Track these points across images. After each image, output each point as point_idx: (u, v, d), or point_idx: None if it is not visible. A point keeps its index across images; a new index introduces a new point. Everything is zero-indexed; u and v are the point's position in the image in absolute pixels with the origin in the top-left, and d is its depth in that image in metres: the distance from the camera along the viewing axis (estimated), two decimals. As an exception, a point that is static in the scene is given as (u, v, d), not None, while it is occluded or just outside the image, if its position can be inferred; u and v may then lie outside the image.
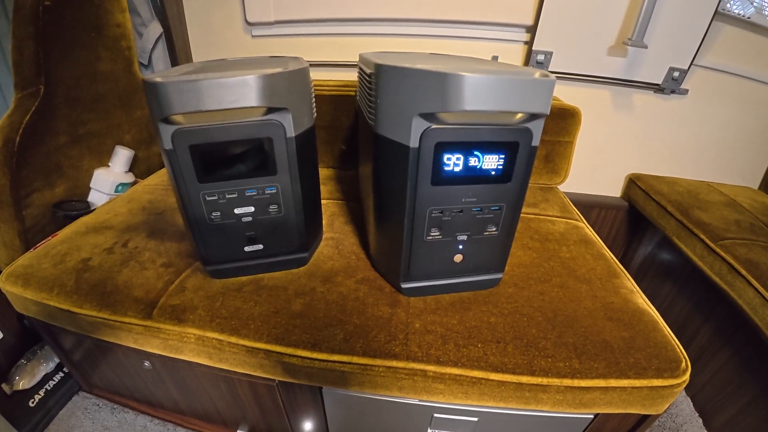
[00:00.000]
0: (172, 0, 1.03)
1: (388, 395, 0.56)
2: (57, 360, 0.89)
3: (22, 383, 0.85)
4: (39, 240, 0.76)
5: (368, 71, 0.51)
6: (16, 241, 0.81)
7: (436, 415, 0.58)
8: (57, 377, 0.89)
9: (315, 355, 0.51)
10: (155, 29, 1.03)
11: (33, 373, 0.86)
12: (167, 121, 0.47)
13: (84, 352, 0.77)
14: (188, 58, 1.13)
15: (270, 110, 0.50)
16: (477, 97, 0.41)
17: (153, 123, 0.48)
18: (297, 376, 0.55)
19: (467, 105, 0.41)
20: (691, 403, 0.93)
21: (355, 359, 0.50)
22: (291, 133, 0.52)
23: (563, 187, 1.03)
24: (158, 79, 0.43)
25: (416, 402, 0.57)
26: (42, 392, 0.86)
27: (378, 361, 0.50)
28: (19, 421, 0.81)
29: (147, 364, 0.69)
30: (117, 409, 0.89)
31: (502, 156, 0.48)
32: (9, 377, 0.86)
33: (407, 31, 1.01)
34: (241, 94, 0.45)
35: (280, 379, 0.57)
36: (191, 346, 0.56)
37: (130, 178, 0.99)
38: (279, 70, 0.48)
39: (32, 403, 0.84)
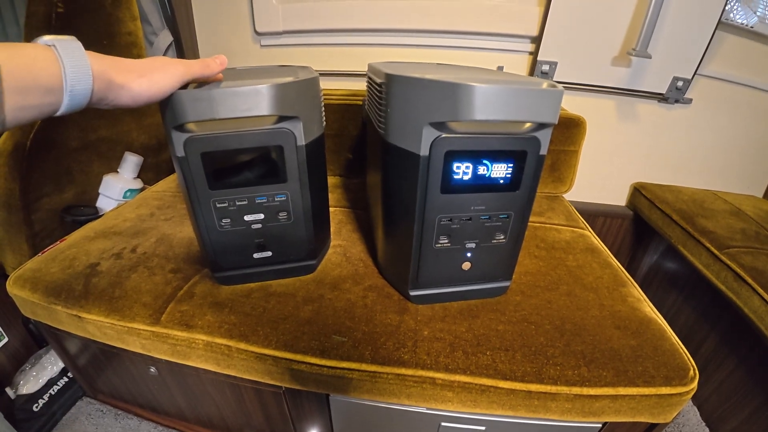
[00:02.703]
0: (182, 9, 1.04)
1: (395, 403, 0.55)
2: (62, 364, 0.89)
3: (26, 387, 0.85)
4: (47, 244, 0.76)
5: (378, 81, 0.51)
6: (24, 246, 0.82)
7: (443, 423, 0.58)
8: (61, 382, 0.89)
9: (324, 362, 0.51)
10: (165, 38, 1.05)
11: (37, 378, 0.87)
12: (180, 128, 0.47)
13: (89, 357, 0.77)
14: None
15: (281, 119, 0.51)
16: (487, 106, 0.42)
17: (166, 130, 0.48)
18: (305, 383, 0.55)
19: (478, 114, 0.42)
20: (698, 413, 0.92)
21: (364, 366, 0.51)
22: (301, 141, 0.53)
23: (568, 196, 1.04)
24: (173, 88, 0.44)
25: (424, 410, 0.57)
26: (46, 397, 0.86)
27: (386, 369, 0.50)
28: (22, 425, 0.81)
29: (153, 370, 0.69)
30: (121, 415, 0.88)
31: (511, 164, 0.48)
32: (13, 381, 0.86)
33: (414, 42, 1.03)
34: (253, 102, 0.46)
35: (288, 386, 0.57)
36: (199, 351, 0.56)
37: (138, 184, 1.00)
38: (290, 79, 0.49)
39: (36, 407, 0.84)
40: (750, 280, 0.73)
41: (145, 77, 0.38)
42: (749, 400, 0.80)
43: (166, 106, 0.45)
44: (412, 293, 0.58)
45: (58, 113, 0.33)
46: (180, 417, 0.82)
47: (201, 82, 0.46)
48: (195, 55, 1.13)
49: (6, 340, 0.87)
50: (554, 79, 0.99)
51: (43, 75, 0.30)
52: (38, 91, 0.30)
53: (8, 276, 0.68)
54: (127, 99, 0.38)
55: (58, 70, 0.31)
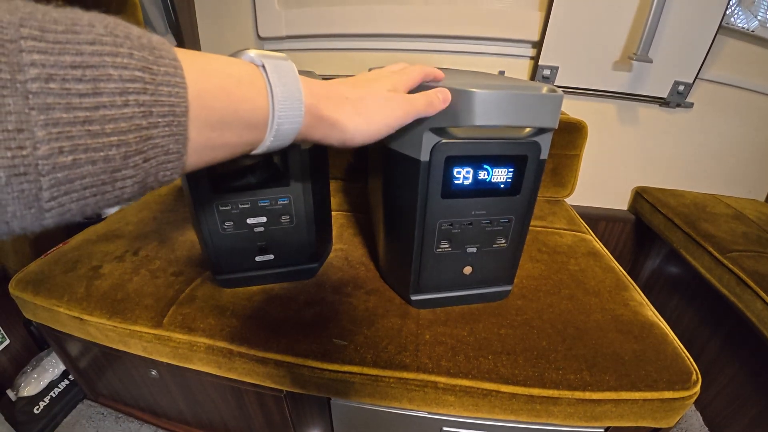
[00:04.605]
0: (185, 14, 1.05)
1: (397, 407, 0.55)
2: (63, 367, 0.90)
3: (28, 390, 0.85)
4: (49, 247, 0.77)
5: (380, 85, 0.52)
6: (26, 248, 0.82)
7: (445, 428, 0.58)
8: (62, 384, 0.89)
9: (325, 366, 0.51)
10: (169, 42, 1.06)
11: (38, 380, 0.87)
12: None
13: (91, 359, 0.77)
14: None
15: (284, 123, 0.51)
16: (487, 112, 0.42)
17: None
18: (306, 387, 0.55)
19: (478, 120, 0.42)
20: (701, 418, 0.92)
21: (366, 370, 0.51)
22: (305, 144, 0.53)
23: (570, 200, 1.04)
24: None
25: (425, 415, 0.56)
26: (47, 399, 0.86)
27: (388, 372, 0.50)
28: (23, 427, 0.81)
29: (154, 372, 0.69)
30: (122, 418, 0.88)
31: (511, 169, 0.48)
32: (14, 383, 0.86)
33: (415, 47, 1.03)
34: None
35: (289, 389, 0.57)
36: (200, 354, 0.56)
37: (140, 186, 1.00)
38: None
39: (37, 410, 0.84)
40: (752, 284, 0.73)
41: (362, 116, 0.30)
42: (752, 404, 0.79)
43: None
44: (414, 297, 0.58)
45: (253, 153, 0.26)
46: (181, 420, 0.82)
47: None
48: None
49: (7, 342, 0.87)
50: (555, 83, 1.00)
51: (247, 106, 0.22)
52: (237, 127, 0.22)
53: (10, 278, 0.68)
54: (336, 141, 0.30)
55: (265, 101, 0.23)
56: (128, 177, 0.17)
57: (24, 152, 0.13)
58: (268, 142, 0.25)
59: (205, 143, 0.21)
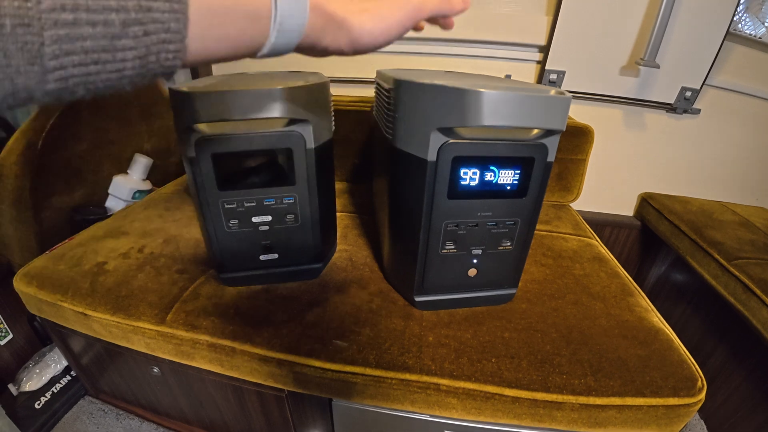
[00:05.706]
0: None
1: (399, 409, 0.55)
2: (65, 363, 0.90)
3: (29, 385, 0.85)
4: (55, 242, 0.77)
5: (387, 87, 0.52)
6: (32, 243, 0.83)
7: None
8: (64, 380, 0.90)
9: (327, 366, 0.51)
10: None
11: (40, 375, 0.87)
12: (192, 129, 0.48)
13: (93, 355, 0.77)
14: (208, 72, 1.16)
15: (291, 122, 0.51)
16: (495, 112, 0.42)
17: (177, 131, 0.49)
18: (308, 387, 0.55)
19: (485, 120, 0.42)
20: (705, 427, 0.90)
21: (368, 371, 0.50)
22: (311, 144, 0.53)
23: (575, 205, 1.03)
24: (185, 89, 0.45)
25: (427, 417, 0.56)
26: (48, 394, 0.86)
27: (391, 374, 0.50)
28: (24, 422, 0.81)
29: (156, 370, 0.69)
30: (122, 415, 0.88)
31: (518, 171, 0.48)
32: (16, 378, 0.86)
33: (422, 50, 1.03)
34: (266, 105, 0.47)
35: (291, 389, 0.57)
36: (203, 352, 0.56)
37: (147, 185, 1.01)
38: (302, 83, 0.49)
39: (38, 405, 0.84)
40: (759, 292, 0.72)
41: (368, 12, 0.29)
42: (757, 414, 0.78)
43: (179, 106, 0.46)
44: (418, 299, 0.58)
45: (259, 55, 0.25)
46: (181, 419, 0.82)
47: (213, 83, 0.47)
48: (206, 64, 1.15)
49: (11, 336, 0.87)
50: (562, 87, 0.99)
51: None
52: (238, 17, 0.22)
53: (15, 272, 0.68)
54: (345, 42, 0.29)
55: None
56: (128, 48, 0.18)
57: (29, 4, 0.14)
58: (272, 39, 0.24)
59: (207, 31, 0.20)
